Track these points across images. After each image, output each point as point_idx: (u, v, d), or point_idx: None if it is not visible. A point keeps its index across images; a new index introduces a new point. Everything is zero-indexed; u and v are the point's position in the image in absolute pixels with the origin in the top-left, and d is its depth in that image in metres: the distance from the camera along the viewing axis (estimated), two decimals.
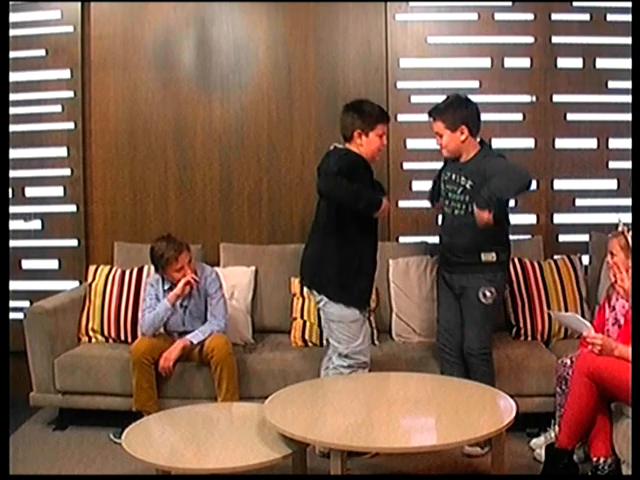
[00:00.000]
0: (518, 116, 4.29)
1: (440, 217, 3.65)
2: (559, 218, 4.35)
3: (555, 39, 4.25)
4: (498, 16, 4.27)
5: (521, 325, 3.90)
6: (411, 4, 4.28)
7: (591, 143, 4.31)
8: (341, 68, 4.32)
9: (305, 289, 3.74)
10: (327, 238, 3.28)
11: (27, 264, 4.45)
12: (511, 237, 3.48)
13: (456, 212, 3.37)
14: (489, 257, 3.30)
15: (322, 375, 3.47)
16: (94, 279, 4.11)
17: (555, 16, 4.24)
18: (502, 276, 3.41)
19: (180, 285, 3.61)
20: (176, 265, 3.59)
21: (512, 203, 3.70)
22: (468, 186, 3.30)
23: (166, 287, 3.69)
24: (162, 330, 3.76)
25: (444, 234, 3.51)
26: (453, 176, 3.37)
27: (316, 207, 3.41)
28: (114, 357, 3.74)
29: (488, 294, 3.30)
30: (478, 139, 3.38)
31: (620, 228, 3.19)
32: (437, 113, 3.33)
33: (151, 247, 3.65)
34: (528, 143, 4.33)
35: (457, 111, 3.29)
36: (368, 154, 3.26)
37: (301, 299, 3.96)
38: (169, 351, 3.57)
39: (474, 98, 3.45)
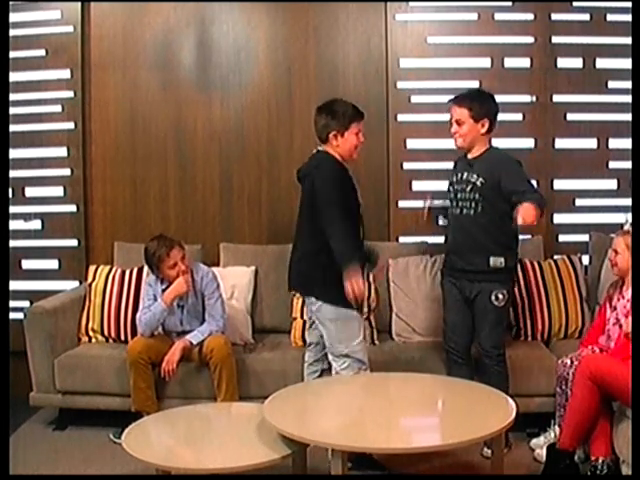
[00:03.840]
0: (518, 116, 4.29)
1: (442, 217, 3.64)
2: (559, 218, 4.35)
3: (555, 39, 4.25)
4: (498, 16, 4.27)
5: (521, 325, 3.91)
6: (411, 4, 4.28)
7: (591, 143, 4.30)
8: (341, 68, 4.32)
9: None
10: (311, 240, 3.21)
11: (27, 264, 4.45)
12: None
13: (465, 212, 3.30)
14: (497, 263, 3.24)
15: (306, 377, 3.45)
16: (94, 279, 4.11)
17: (555, 16, 4.24)
18: (510, 282, 3.36)
19: (175, 285, 3.62)
20: (169, 261, 3.60)
21: None
22: (479, 183, 3.24)
23: (164, 287, 3.69)
24: (160, 330, 3.76)
25: (450, 235, 3.44)
26: (464, 175, 3.31)
27: (299, 212, 3.32)
28: (114, 357, 3.74)
29: (501, 296, 3.26)
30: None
31: (626, 227, 3.19)
32: (464, 100, 3.28)
33: (144, 249, 3.67)
34: (528, 143, 4.32)
35: (485, 103, 3.28)
36: (345, 153, 3.21)
37: (301, 299, 3.95)
38: (171, 353, 3.57)
39: None
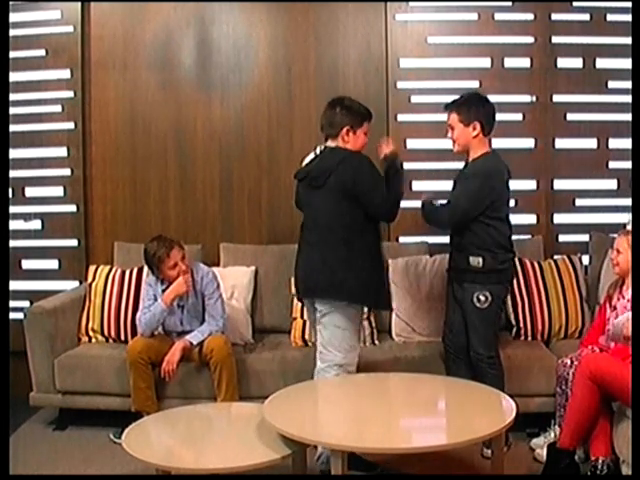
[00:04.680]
0: (518, 116, 4.29)
1: None
2: (559, 218, 4.35)
3: (555, 39, 4.25)
4: (498, 16, 4.27)
5: (521, 325, 3.90)
6: (411, 4, 4.28)
7: (591, 143, 4.30)
8: (341, 68, 4.33)
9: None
10: (344, 244, 3.12)
11: (27, 264, 4.45)
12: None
13: None
14: (475, 262, 3.27)
15: (316, 376, 3.44)
16: (94, 279, 4.11)
17: (555, 16, 4.24)
18: (497, 282, 3.32)
19: (174, 285, 3.62)
20: (169, 262, 3.60)
21: (512, 203, 3.69)
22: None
23: (164, 287, 3.69)
24: (161, 330, 3.76)
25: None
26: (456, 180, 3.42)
27: (310, 214, 3.27)
28: (114, 357, 3.74)
29: (482, 298, 3.27)
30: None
31: (629, 226, 3.18)
32: (452, 106, 3.35)
33: (144, 249, 3.67)
34: (528, 143, 4.33)
35: (473, 107, 3.30)
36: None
37: None
38: (171, 354, 3.57)
39: None
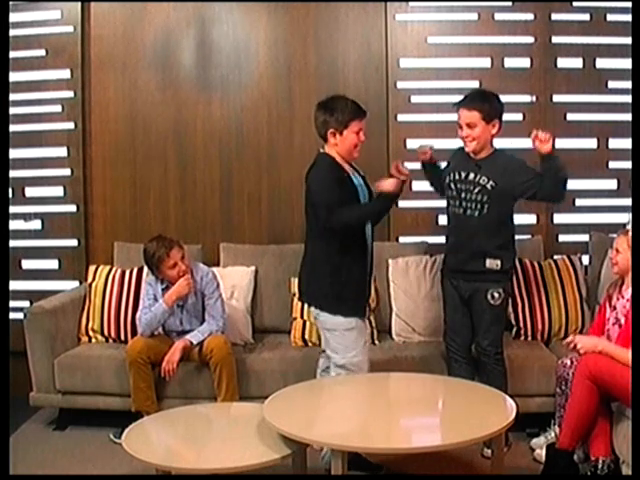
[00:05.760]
0: (518, 116, 4.29)
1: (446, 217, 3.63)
2: (559, 218, 4.35)
3: (555, 39, 4.25)
4: (498, 16, 4.27)
5: (521, 325, 3.91)
6: (411, 4, 4.28)
7: (591, 143, 4.31)
8: (341, 68, 4.33)
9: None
10: (316, 247, 3.18)
11: (27, 264, 4.46)
12: None
13: (469, 212, 3.28)
14: (494, 264, 3.25)
15: (318, 377, 3.44)
16: (94, 279, 4.11)
17: (555, 16, 4.24)
18: (507, 282, 3.36)
19: (176, 286, 3.62)
20: (168, 262, 3.60)
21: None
22: (489, 186, 3.22)
23: (163, 287, 3.69)
24: (160, 330, 3.76)
25: (451, 235, 3.43)
26: (470, 175, 3.27)
27: (304, 215, 3.28)
28: (114, 357, 3.74)
29: (497, 295, 3.27)
30: None
31: (629, 226, 3.18)
32: (474, 102, 3.23)
33: (143, 249, 3.67)
34: (528, 143, 4.29)
35: (494, 103, 3.25)
36: (344, 152, 3.14)
37: None
38: (171, 353, 3.57)
39: None
